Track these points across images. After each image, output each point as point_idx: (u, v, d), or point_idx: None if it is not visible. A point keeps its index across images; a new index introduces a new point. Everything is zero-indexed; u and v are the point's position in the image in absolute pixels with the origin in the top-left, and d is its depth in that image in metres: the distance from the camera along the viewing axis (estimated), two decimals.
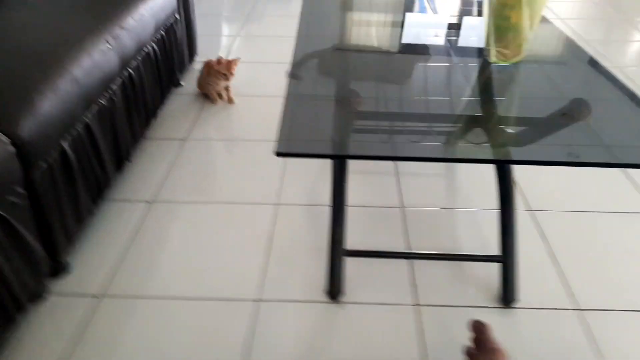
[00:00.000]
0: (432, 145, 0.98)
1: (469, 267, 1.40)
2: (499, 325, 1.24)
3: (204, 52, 2.70)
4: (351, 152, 0.99)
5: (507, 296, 1.28)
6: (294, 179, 1.75)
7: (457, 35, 1.55)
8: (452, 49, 1.42)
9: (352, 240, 1.45)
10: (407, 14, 1.71)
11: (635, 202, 1.66)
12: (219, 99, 2.19)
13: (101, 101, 1.46)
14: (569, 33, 3.02)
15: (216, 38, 2.88)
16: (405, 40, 1.52)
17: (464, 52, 1.40)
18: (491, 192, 1.31)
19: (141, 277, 1.36)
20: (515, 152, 0.98)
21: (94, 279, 1.35)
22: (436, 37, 1.52)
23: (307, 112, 1.07)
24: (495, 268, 1.33)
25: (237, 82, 2.41)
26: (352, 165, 1.72)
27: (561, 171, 1.77)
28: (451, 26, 1.61)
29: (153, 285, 1.34)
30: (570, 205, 1.64)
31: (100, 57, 1.45)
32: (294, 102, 1.08)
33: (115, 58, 1.53)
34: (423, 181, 1.75)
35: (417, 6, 1.77)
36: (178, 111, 2.13)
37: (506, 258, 1.27)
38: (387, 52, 1.43)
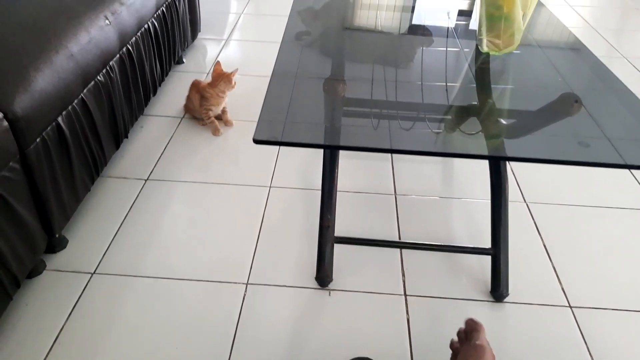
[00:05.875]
0: (423, 137, 0.97)
1: (461, 258, 1.40)
2: (488, 319, 1.24)
3: (208, 29, 2.68)
4: (332, 142, 0.97)
5: (496, 290, 1.27)
6: (288, 161, 1.75)
7: (467, 20, 1.53)
8: (456, 35, 1.40)
9: (343, 226, 1.46)
10: None
11: (634, 198, 1.65)
12: (220, 130, 1.88)
13: (99, 78, 1.45)
14: (578, 21, 2.97)
15: (221, 15, 2.85)
16: (413, 23, 1.50)
17: (467, 39, 1.38)
18: (487, 181, 1.30)
19: (135, 256, 1.37)
20: (508, 145, 0.97)
21: (89, 256, 1.36)
22: (445, 21, 1.50)
23: (293, 96, 1.05)
24: (488, 260, 1.32)
25: (237, 62, 2.39)
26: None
27: None
28: (461, 12, 1.58)
29: (146, 264, 1.35)
30: (566, 198, 1.63)
31: (98, 33, 1.44)
32: (279, 85, 1.07)
33: (114, 34, 1.52)
34: (418, 168, 1.74)
35: None
36: (178, 88, 2.12)
37: (497, 251, 1.26)
38: (390, 35, 1.41)
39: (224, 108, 1.91)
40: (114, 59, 1.55)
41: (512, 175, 1.72)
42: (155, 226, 1.47)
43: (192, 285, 1.30)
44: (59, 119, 1.27)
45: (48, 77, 1.22)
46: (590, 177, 1.72)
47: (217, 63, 1.84)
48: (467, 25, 1.51)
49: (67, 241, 1.39)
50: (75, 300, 1.25)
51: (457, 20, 1.53)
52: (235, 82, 1.85)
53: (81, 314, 1.22)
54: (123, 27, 1.59)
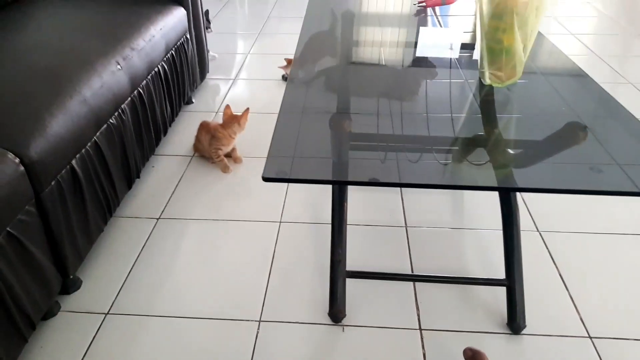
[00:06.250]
0: (431, 169, 0.98)
1: (475, 289, 1.38)
2: (506, 352, 1.22)
3: (216, 70, 2.74)
4: (340, 177, 0.98)
5: (513, 322, 1.25)
6: (297, 196, 1.76)
7: (470, 52, 1.55)
8: (459, 67, 1.42)
9: (355, 259, 1.45)
10: (421, 29, 1.72)
11: None
12: (229, 167, 1.90)
13: (111, 120, 1.49)
14: (581, 49, 3.00)
15: (229, 56, 2.92)
16: (417, 56, 1.53)
17: (471, 70, 1.40)
18: (498, 210, 1.30)
19: (148, 295, 1.37)
20: (518, 175, 0.97)
21: (103, 296, 1.37)
22: (447, 53, 1.53)
23: (300, 133, 1.06)
24: (503, 291, 1.31)
25: (244, 100, 2.44)
26: None
27: None
28: (464, 46, 1.61)
29: (159, 304, 1.35)
30: (579, 225, 1.61)
31: (110, 77, 1.48)
32: (287, 122, 1.09)
33: (125, 78, 1.57)
34: (428, 199, 1.74)
35: (428, 21, 1.79)
36: (188, 128, 2.16)
37: (511, 282, 1.25)
38: (394, 68, 1.44)
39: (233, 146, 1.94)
40: (126, 102, 1.59)
41: (523, 203, 1.71)
42: (168, 265, 1.47)
43: (205, 324, 1.29)
44: (73, 162, 1.29)
45: (62, 121, 1.25)
46: (603, 203, 1.71)
47: (227, 106, 1.89)
48: (471, 56, 1.54)
49: (81, 282, 1.40)
50: (90, 341, 1.24)
51: (460, 53, 1.55)
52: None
53: (95, 355, 1.21)
54: (134, 71, 1.63)
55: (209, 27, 2.73)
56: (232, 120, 1.86)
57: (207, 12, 2.72)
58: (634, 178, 0.91)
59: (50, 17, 1.75)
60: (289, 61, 2.57)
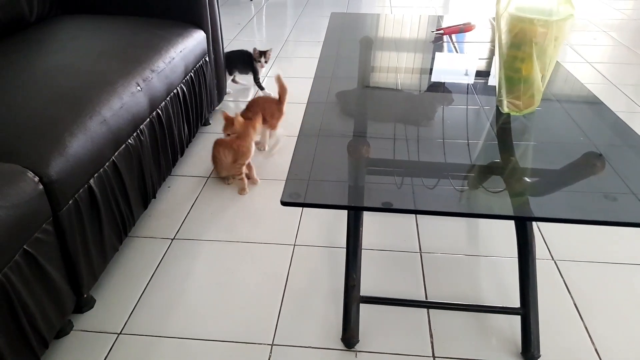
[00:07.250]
0: (447, 196, 0.97)
1: (490, 318, 1.36)
2: None
3: (234, 91, 2.78)
4: (356, 203, 0.98)
5: (527, 352, 1.23)
6: (311, 219, 1.76)
7: (486, 80, 1.56)
8: (475, 92, 1.42)
9: (368, 285, 1.44)
10: (438, 55, 1.74)
11: None
12: (246, 189, 1.91)
13: (129, 141, 1.51)
14: (597, 77, 2.99)
15: (247, 77, 2.96)
16: (433, 82, 1.54)
17: (487, 96, 1.40)
18: (514, 237, 1.29)
19: (160, 316, 1.37)
20: (534, 205, 0.97)
21: (116, 316, 1.37)
22: (463, 79, 1.53)
23: (318, 157, 1.07)
24: (518, 319, 1.29)
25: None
26: None
27: None
28: (479, 73, 1.62)
29: (171, 325, 1.35)
30: (596, 255, 1.59)
31: (130, 99, 1.51)
32: (305, 146, 1.09)
33: (144, 100, 1.59)
34: (442, 224, 1.73)
35: (445, 48, 1.80)
36: (204, 149, 2.18)
37: (526, 311, 1.23)
38: (410, 93, 1.45)
39: (249, 164, 1.94)
40: (144, 122, 1.61)
41: (538, 231, 1.69)
42: (181, 286, 1.47)
43: (218, 347, 1.28)
44: (91, 182, 1.31)
45: (82, 142, 1.28)
46: (619, 232, 1.68)
47: (236, 115, 1.86)
48: (486, 82, 1.54)
49: (94, 301, 1.41)
50: None
51: (475, 79, 1.56)
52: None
53: None
54: (153, 92, 1.66)
55: (262, 62, 2.69)
56: (247, 128, 1.85)
57: (269, 50, 2.70)
58: None
59: (71, 38, 1.80)
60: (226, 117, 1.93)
